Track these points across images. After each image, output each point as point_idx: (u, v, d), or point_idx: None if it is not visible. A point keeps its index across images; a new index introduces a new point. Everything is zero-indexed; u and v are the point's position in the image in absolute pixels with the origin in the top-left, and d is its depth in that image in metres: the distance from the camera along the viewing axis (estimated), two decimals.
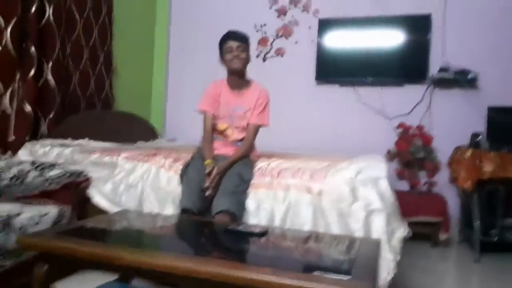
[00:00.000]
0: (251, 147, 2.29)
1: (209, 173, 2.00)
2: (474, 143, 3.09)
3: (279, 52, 3.98)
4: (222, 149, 2.26)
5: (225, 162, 2.09)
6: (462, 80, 3.22)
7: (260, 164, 2.21)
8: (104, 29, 3.55)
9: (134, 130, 3.75)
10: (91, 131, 3.21)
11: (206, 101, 2.28)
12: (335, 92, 3.77)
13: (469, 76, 3.20)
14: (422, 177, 3.41)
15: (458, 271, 2.82)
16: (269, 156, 2.47)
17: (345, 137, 3.70)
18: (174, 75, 4.37)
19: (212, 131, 2.27)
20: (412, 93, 3.51)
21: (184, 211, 1.92)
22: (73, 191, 2.22)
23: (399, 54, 3.54)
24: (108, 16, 3.59)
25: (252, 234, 1.53)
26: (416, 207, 3.05)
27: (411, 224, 2.00)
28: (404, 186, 3.39)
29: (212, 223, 1.83)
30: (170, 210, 2.12)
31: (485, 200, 2.85)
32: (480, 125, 3.19)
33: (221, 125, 2.28)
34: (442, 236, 3.05)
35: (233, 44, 2.19)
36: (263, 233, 1.53)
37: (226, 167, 2.07)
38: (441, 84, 3.39)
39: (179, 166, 2.26)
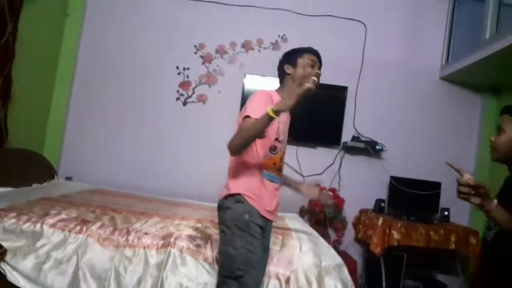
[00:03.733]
0: None
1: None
2: (378, 208, 3.49)
3: (201, 99, 3.90)
4: (273, 198, 1.77)
5: None
6: (370, 149, 3.62)
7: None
8: (6, 50, 2.99)
9: (30, 170, 3.21)
10: None
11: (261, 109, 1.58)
12: None
13: (377, 147, 3.62)
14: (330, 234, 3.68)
15: None
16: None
17: None
18: (75, 109, 3.90)
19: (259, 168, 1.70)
20: (324, 155, 3.80)
21: None
22: None
23: (316, 118, 3.79)
24: (13, 35, 3.05)
25: None
26: None
27: None
28: None
29: None
30: None
31: (391, 263, 3.20)
32: (381, 192, 3.62)
33: (281, 151, 1.80)
34: None
35: (316, 59, 1.82)
36: None
37: None
38: (351, 150, 3.75)
39: (117, 239, 1.99)
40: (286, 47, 3.81)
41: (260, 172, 1.71)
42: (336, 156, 3.79)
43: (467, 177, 1.31)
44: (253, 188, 1.68)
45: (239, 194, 1.67)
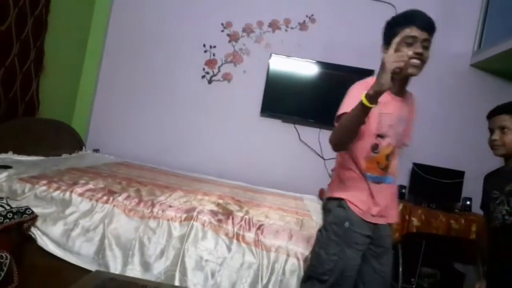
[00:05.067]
0: None
1: None
2: (399, 194, 3.47)
3: (226, 77, 3.91)
4: (382, 200, 1.56)
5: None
6: None
7: (239, 214, 2.15)
8: (39, 21, 3.06)
9: (59, 140, 3.33)
10: (14, 143, 2.76)
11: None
12: (277, 127, 3.85)
13: None
14: None
15: None
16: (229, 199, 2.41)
17: (281, 171, 3.82)
18: (104, 83, 3.99)
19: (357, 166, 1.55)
20: None
21: None
22: (13, 233, 1.86)
23: (340, 101, 3.75)
24: (46, 7, 3.11)
25: None
26: None
27: None
28: None
29: None
30: (136, 259, 1.93)
31: (409, 250, 3.20)
32: (402, 178, 3.59)
33: (385, 148, 1.54)
34: None
35: (420, 34, 1.44)
36: None
37: None
38: None
39: (142, 210, 2.06)
40: (313, 28, 3.84)
41: (363, 174, 1.54)
42: None
43: None
44: (357, 193, 1.55)
45: (341, 199, 1.56)
